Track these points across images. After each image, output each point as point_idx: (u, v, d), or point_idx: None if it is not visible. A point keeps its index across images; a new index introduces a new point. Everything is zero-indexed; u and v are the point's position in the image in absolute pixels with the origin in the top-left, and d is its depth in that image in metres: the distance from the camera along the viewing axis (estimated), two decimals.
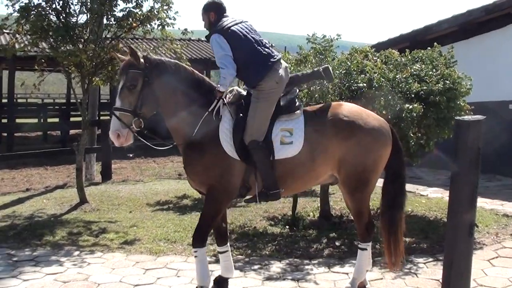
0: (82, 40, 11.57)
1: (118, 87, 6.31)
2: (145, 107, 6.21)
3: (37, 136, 30.10)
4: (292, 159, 6.31)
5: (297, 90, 6.90)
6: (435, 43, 10.60)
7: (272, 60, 6.52)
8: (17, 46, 11.97)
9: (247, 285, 7.22)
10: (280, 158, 6.29)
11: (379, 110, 8.82)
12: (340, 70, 9.57)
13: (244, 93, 6.62)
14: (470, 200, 4.72)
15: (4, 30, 12.03)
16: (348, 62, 9.75)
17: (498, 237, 9.40)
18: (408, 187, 13.62)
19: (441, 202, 11.76)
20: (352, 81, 9.38)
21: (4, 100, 31.45)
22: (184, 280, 7.43)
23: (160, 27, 12.09)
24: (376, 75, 9.36)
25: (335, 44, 10.10)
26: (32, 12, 11.14)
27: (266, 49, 6.57)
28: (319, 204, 10.70)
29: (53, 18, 11.47)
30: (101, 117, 24.76)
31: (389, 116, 8.85)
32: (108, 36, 12.04)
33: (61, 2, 11.37)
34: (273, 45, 7.89)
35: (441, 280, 5.35)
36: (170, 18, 12.05)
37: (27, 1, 11.28)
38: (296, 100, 6.68)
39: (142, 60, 6.21)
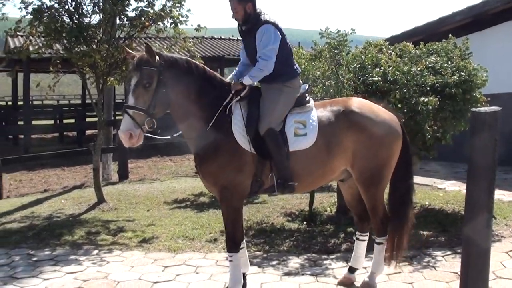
0: (96, 40, 11.58)
1: (130, 84, 6.02)
2: (158, 107, 6.00)
3: (53, 137, 30.24)
4: (307, 152, 6.30)
5: (307, 85, 6.88)
6: (450, 35, 10.54)
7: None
8: (31, 48, 12.03)
9: (265, 281, 7.22)
10: (294, 150, 6.27)
11: (395, 104, 8.80)
12: (355, 64, 9.55)
13: (253, 85, 6.59)
14: (487, 192, 4.69)
15: (18, 33, 12.03)
16: (362, 56, 9.72)
17: None
18: (425, 180, 13.76)
19: (458, 195, 11.71)
20: (366, 75, 9.35)
21: (20, 102, 31.64)
22: (203, 276, 7.45)
23: (173, 25, 12.08)
24: (390, 68, 9.33)
25: (349, 39, 10.06)
26: (45, 14, 11.16)
27: None
28: (336, 199, 10.69)
29: (66, 19, 11.48)
30: (117, 117, 24.80)
31: (405, 110, 8.84)
32: (121, 36, 12.05)
33: (73, 3, 11.39)
34: None
35: (459, 273, 5.33)
36: (182, 16, 12.04)
37: (40, 3, 11.33)
38: (306, 94, 6.69)
39: (157, 57, 6.04)
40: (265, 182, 6.37)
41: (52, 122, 32.95)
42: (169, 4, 11.91)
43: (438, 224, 9.53)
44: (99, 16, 11.60)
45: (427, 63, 9.69)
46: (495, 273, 7.18)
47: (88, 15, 11.60)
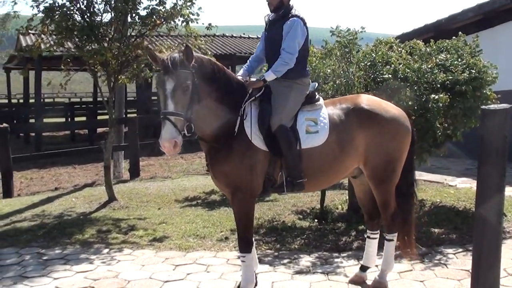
0: (107, 38, 11.61)
1: (166, 89, 5.65)
2: (194, 110, 5.78)
3: (65, 135, 30.34)
4: (319, 150, 6.29)
5: (316, 84, 6.88)
6: (460, 32, 10.53)
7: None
8: (42, 46, 12.04)
9: (276, 279, 7.22)
10: (307, 147, 6.25)
11: (405, 101, 8.79)
12: (365, 62, 9.53)
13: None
14: (497, 189, 4.70)
15: (30, 31, 12.08)
16: (373, 54, 9.71)
17: None
18: (436, 177, 13.77)
19: (469, 192, 11.67)
20: (377, 73, 9.34)
21: (31, 100, 31.75)
22: (214, 275, 7.45)
23: (184, 23, 12.08)
24: (401, 66, 9.32)
25: (359, 37, 10.06)
26: (57, 12, 11.17)
27: None
28: (347, 197, 10.68)
29: (78, 17, 11.50)
30: (128, 115, 24.85)
31: (415, 107, 8.83)
32: (132, 34, 12.07)
33: (85, 2, 11.42)
34: None
35: (470, 271, 5.33)
36: (193, 14, 12.04)
37: (51, 2, 11.34)
38: (315, 92, 6.70)
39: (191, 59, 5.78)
40: (277, 180, 6.36)
41: (63, 120, 33.02)
42: (180, 3, 11.91)
43: (449, 222, 9.51)
44: (111, 14, 11.62)
45: (438, 60, 9.68)
46: (507, 271, 7.17)
47: (100, 14, 11.62)
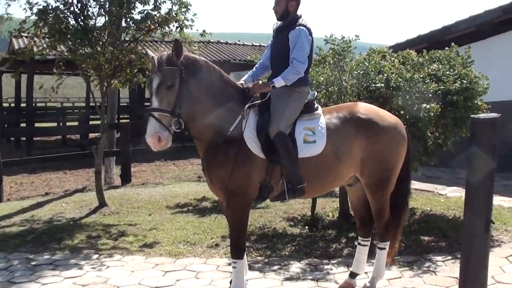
0: (101, 43, 11.60)
1: (152, 86, 5.84)
2: (184, 107, 5.88)
3: (56, 140, 30.26)
4: (316, 159, 6.30)
5: (315, 93, 6.91)
6: (452, 43, 10.60)
7: None
8: (35, 49, 12.03)
9: (266, 286, 7.23)
10: (304, 156, 6.25)
11: (397, 110, 8.84)
12: (358, 71, 9.56)
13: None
14: (486, 197, 4.72)
15: (22, 34, 12.05)
16: (366, 63, 9.74)
17: None
18: (427, 186, 13.82)
19: (459, 201, 11.70)
20: (370, 82, 9.37)
21: (23, 104, 31.66)
22: (204, 282, 7.44)
23: (179, 29, 12.08)
24: (393, 75, 9.36)
25: (353, 45, 10.10)
26: (50, 15, 11.17)
27: None
28: (338, 204, 10.70)
29: (71, 21, 11.49)
30: (121, 120, 24.81)
31: (407, 116, 8.88)
32: (126, 38, 12.07)
33: (79, 5, 11.42)
34: None
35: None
36: (188, 20, 12.05)
37: (45, 4, 11.35)
38: (315, 101, 6.70)
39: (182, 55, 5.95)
40: (275, 188, 6.33)
41: (55, 124, 32.91)
42: (175, 8, 11.92)
43: (439, 230, 9.55)
44: (105, 18, 11.63)
45: (430, 70, 9.77)
46: (495, 278, 7.23)
47: (94, 17, 11.62)
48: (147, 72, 11.15)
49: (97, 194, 12.33)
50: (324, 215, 10.59)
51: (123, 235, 9.77)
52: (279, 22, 6.68)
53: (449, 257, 8.24)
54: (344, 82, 9.43)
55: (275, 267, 7.94)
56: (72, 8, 11.43)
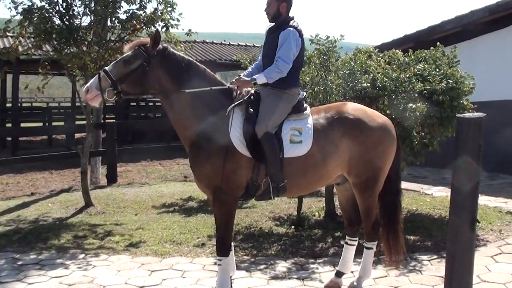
0: (86, 42, 11.58)
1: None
2: (127, 85, 6.23)
3: (42, 140, 30.12)
4: (302, 159, 6.32)
5: (305, 93, 6.94)
6: (438, 43, 10.63)
7: None
8: (20, 49, 11.98)
9: (252, 285, 7.24)
10: (289, 156, 6.28)
11: (383, 110, 8.86)
12: (344, 71, 9.58)
13: (252, 90, 6.62)
14: (471, 196, 4.74)
15: (7, 33, 11.99)
16: (352, 63, 9.76)
17: (502, 234, 9.46)
18: (413, 186, 13.86)
19: (445, 200, 11.74)
20: (356, 81, 9.39)
21: (8, 104, 31.49)
22: (190, 281, 7.44)
23: (164, 28, 12.08)
24: (379, 75, 9.39)
25: (338, 45, 10.11)
26: (35, 15, 11.12)
27: None
28: (324, 204, 10.72)
29: (57, 20, 11.46)
30: (106, 120, 24.72)
31: (393, 116, 8.89)
32: (112, 38, 12.04)
33: (64, 4, 11.38)
34: None
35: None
36: (174, 20, 12.06)
37: (30, 4, 11.31)
38: (304, 101, 6.72)
39: (158, 47, 6.30)
40: (261, 185, 6.37)
41: (41, 124, 32.75)
42: (160, 8, 11.92)
43: (424, 229, 9.60)
44: (90, 17, 11.60)
45: (416, 70, 9.77)
46: (480, 277, 7.28)
47: (79, 17, 11.59)
48: None
49: (83, 194, 12.29)
50: (310, 215, 10.60)
51: (109, 235, 9.74)
52: (271, 24, 6.71)
53: (435, 256, 8.28)
54: (329, 82, 9.44)
55: (261, 266, 7.95)
56: (57, 8, 11.39)
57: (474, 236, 4.84)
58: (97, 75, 6.23)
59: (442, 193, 13.00)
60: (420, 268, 7.80)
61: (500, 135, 13.49)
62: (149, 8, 11.93)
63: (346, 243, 7.03)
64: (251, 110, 6.37)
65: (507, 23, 15.82)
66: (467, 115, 4.88)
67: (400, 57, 10.24)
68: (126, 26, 11.76)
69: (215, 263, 7.75)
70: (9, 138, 26.18)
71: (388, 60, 10.28)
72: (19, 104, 33.43)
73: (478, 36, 16.64)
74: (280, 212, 11.11)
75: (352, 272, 7.26)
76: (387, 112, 8.87)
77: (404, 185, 13.61)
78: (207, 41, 33.39)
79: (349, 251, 7.01)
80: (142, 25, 11.83)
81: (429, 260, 8.11)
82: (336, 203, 10.51)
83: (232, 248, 6.74)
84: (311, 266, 7.95)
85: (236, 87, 6.46)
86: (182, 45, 12.71)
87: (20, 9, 11.32)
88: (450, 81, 9.54)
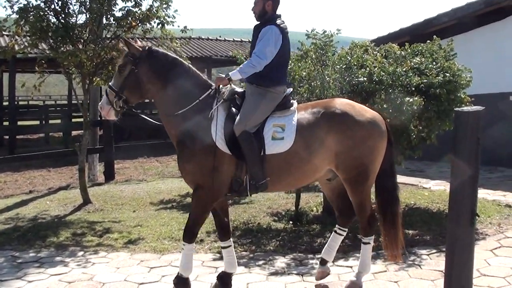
0: (82, 40, 11.57)
1: None
2: (128, 92, 6.52)
3: (39, 138, 30.08)
4: (285, 155, 6.33)
5: (291, 89, 6.94)
6: (434, 36, 10.61)
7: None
8: (16, 47, 11.95)
9: (251, 281, 7.24)
10: (271, 153, 6.31)
11: (380, 104, 8.84)
12: (341, 65, 9.57)
13: (238, 90, 6.67)
14: (470, 190, 4.73)
15: (3, 32, 11.97)
16: (348, 57, 9.76)
17: (501, 227, 9.45)
18: (411, 180, 13.86)
19: (443, 194, 11.77)
20: (352, 76, 9.39)
21: (5, 103, 31.45)
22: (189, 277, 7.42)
23: (160, 25, 12.08)
24: (376, 69, 9.38)
25: (335, 39, 10.08)
26: (31, 13, 11.11)
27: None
28: (322, 199, 10.72)
29: (52, 18, 11.46)
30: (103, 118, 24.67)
31: (390, 110, 8.88)
32: (107, 35, 12.04)
33: (60, 3, 11.36)
34: None
35: (444, 271, 5.37)
36: (169, 17, 12.05)
37: (25, 2, 11.29)
38: (291, 97, 6.74)
39: (140, 49, 6.51)
40: (243, 182, 6.42)
41: (38, 122, 32.71)
42: (156, 5, 11.91)
43: (423, 223, 9.60)
44: (86, 15, 11.59)
45: (412, 64, 9.76)
46: (480, 271, 7.26)
47: (75, 15, 11.58)
48: None
49: (81, 191, 12.30)
50: (308, 210, 10.60)
51: (108, 232, 9.74)
52: (258, 23, 6.73)
53: (434, 250, 8.28)
54: (326, 77, 9.43)
55: (260, 262, 7.96)
56: (52, 6, 11.37)
57: (473, 230, 4.84)
58: (105, 92, 6.66)
59: (440, 186, 13.03)
60: (419, 262, 7.79)
61: (498, 128, 13.49)
62: (144, 5, 11.92)
63: (335, 231, 7.03)
64: (234, 109, 6.46)
65: (503, 16, 15.80)
66: (465, 108, 4.87)
67: (396, 50, 10.23)
68: (122, 23, 11.75)
69: (214, 259, 7.83)
70: (7, 137, 26.12)
71: (384, 54, 10.27)
72: (16, 103, 33.39)
73: (474, 29, 16.62)
74: (278, 208, 11.10)
75: (351, 267, 7.26)
76: (384, 106, 8.85)
77: (402, 179, 13.74)
78: (203, 37, 33.33)
79: (336, 239, 7.03)
80: (138, 22, 11.82)
81: (428, 255, 8.10)
82: None
83: (232, 243, 6.83)
84: (310, 261, 7.96)
85: (217, 86, 6.53)
86: (178, 42, 12.70)
87: (15, 8, 11.34)
88: (447, 74, 9.53)
